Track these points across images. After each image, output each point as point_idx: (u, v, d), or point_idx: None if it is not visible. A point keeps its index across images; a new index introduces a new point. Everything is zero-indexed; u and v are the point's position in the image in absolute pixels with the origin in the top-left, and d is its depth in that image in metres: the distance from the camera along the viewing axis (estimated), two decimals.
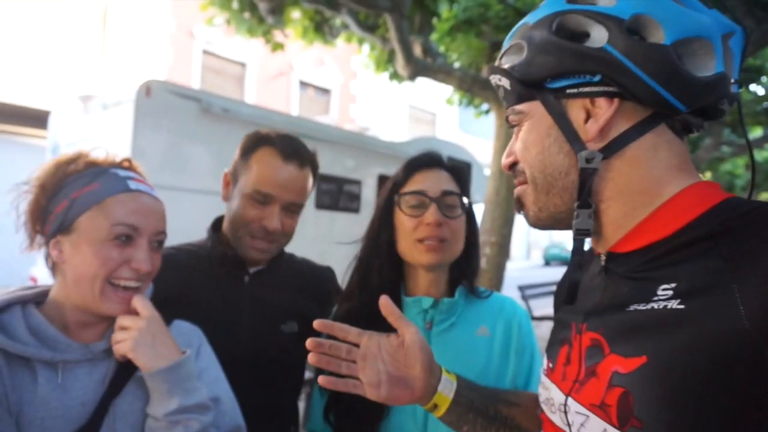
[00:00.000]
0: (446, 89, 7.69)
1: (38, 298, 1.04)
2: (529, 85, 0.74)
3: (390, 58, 7.03)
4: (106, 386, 1.00)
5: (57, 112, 6.00)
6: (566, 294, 0.76)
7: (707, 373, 0.56)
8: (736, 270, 0.57)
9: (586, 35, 0.70)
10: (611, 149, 0.70)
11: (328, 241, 3.39)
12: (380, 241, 1.26)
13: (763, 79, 7.19)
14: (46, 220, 1.00)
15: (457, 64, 6.51)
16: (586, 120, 0.71)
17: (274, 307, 1.37)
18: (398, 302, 1.27)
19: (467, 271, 1.30)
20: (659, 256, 0.66)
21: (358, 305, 1.24)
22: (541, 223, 0.79)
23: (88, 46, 11.55)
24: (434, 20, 6.17)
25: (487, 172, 6.50)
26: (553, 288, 2.11)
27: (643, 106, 0.70)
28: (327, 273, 1.57)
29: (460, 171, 1.31)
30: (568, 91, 0.72)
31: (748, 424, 0.55)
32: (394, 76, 7.34)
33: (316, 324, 0.91)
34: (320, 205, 6.50)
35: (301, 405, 1.44)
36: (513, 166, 0.81)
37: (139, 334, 0.99)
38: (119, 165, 1.07)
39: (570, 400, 0.71)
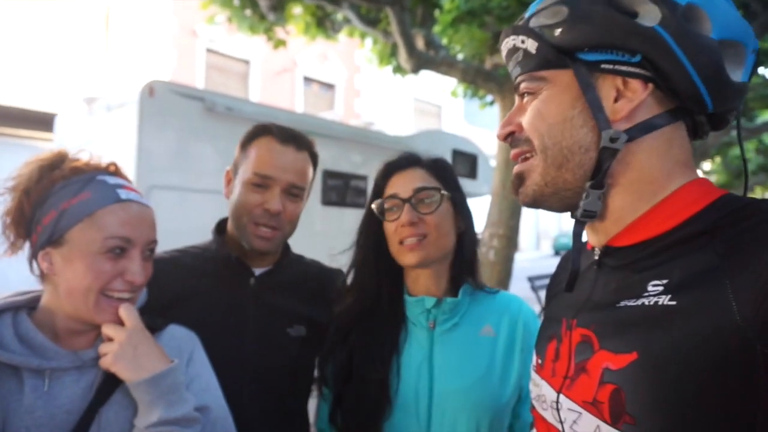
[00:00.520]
0: (450, 81, 7.64)
1: (31, 304, 1.03)
2: (562, 52, 0.71)
3: (393, 52, 6.99)
4: (93, 394, 0.98)
5: (63, 114, 6.02)
6: (566, 282, 0.75)
7: (699, 369, 0.56)
8: (729, 266, 0.57)
9: (635, 14, 0.67)
10: (634, 133, 0.69)
11: (336, 238, 3.38)
12: (367, 248, 1.29)
13: None
14: (33, 230, 0.99)
15: (460, 56, 6.47)
16: (616, 99, 0.69)
17: (280, 310, 1.36)
18: (401, 302, 1.27)
19: (466, 263, 1.29)
20: (654, 252, 0.66)
21: (355, 305, 1.26)
22: (542, 199, 0.75)
23: (92, 48, 11.60)
24: (436, 12, 6.14)
25: (493, 163, 6.45)
26: None
27: (671, 97, 0.68)
28: (337, 275, 1.53)
29: (440, 165, 1.30)
30: (603, 66, 0.69)
31: (741, 418, 0.55)
32: (398, 69, 7.30)
33: None
34: (327, 201, 6.48)
35: (312, 403, 1.43)
36: (510, 136, 0.78)
37: (120, 347, 0.98)
38: (106, 170, 1.04)
39: (562, 397, 0.71)
